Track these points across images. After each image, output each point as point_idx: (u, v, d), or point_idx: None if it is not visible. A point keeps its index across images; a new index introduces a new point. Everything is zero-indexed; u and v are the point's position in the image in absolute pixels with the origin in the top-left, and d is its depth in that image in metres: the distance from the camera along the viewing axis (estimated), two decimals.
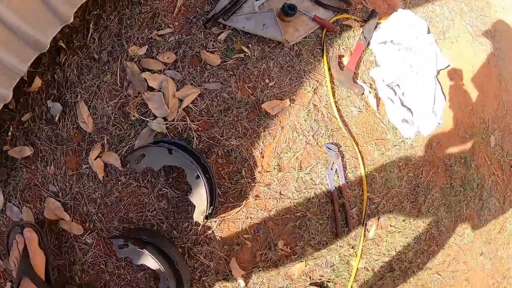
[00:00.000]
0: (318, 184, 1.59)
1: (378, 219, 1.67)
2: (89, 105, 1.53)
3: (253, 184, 1.53)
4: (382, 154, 1.65)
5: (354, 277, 1.63)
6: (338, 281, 1.63)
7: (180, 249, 1.51)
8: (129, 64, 1.54)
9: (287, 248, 1.56)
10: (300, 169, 1.57)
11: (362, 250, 1.63)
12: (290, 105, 1.60)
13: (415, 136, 1.74)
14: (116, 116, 1.51)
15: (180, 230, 1.50)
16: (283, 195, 1.55)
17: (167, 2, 1.59)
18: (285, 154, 1.55)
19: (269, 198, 1.53)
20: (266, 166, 1.54)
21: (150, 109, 1.50)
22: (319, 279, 1.60)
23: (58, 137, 1.51)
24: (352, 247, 1.64)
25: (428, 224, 1.76)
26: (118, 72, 1.51)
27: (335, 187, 1.58)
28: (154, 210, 1.47)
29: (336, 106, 1.61)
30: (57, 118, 1.53)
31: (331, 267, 1.61)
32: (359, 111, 1.65)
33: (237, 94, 1.57)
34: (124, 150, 1.49)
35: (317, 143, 1.59)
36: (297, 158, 1.57)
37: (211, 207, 1.41)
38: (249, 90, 1.54)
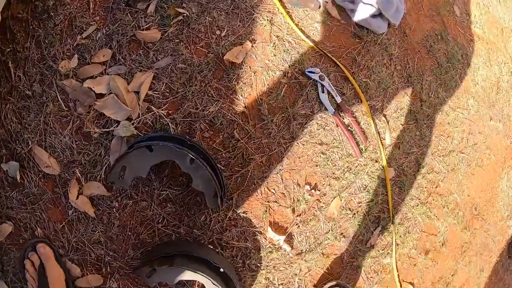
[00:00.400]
0: (317, 113, 1.03)
1: (388, 123, 1.14)
2: (45, 145, 0.97)
3: (252, 142, 0.98)
4: (363, 57, 1.15)
5: (391, 189, 1.14)
6: (378, 200, 1.11)
7: (210, 246, 0.96)
8: (66, 83, 0.98)
9: (314, 191, 1.02)
10: (292, 106, 1.01)
11: (386, 160, 1.12)
12: (252, 46, 1.03)
13: (388, 30, 1.23)
14: (77, 142, 0.97)
15: (200, 226, 0.95)
16: (286, 139, 1.01)
17: (79, 2, 1.05)
18: (269, 97, 1.01)
19: (275, 148, 0.99)
20: (257, 117, 0.99)
21: (108, 117, 0.96)
22: (359, 206, 1.10)
23: (30, 196, 0.97)
24: (376, 161, 1.11)
25: (434, 109, 1.25)
26: (58, 96, 0.98)
27: (334, 109, 1.04)
28: (163, 219, 0.94)
29: (299, 29, 1.09)
30: (18, 177, 0.97)
31: (364, 189, 1.10)
32: (324, 25, 1.14)
33: (193, 59, 0.98)
34: (102, 173, 0.96)
35: (296, 73, 1.05)
36: (283, 97, 1.01)
37: (221, 185, 0.89)
38: (204, 49, 0.99)
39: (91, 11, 1.06)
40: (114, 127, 0.96)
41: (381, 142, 1.10)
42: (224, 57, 0.97)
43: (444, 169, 1.23)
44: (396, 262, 1.17)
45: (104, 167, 0.96)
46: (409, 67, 1.20)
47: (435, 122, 1.23)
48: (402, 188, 1.16)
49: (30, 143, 0.99)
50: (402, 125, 1.16)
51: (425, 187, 1.20)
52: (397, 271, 1.17)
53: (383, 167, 1.11)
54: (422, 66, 1.23)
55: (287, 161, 0.99)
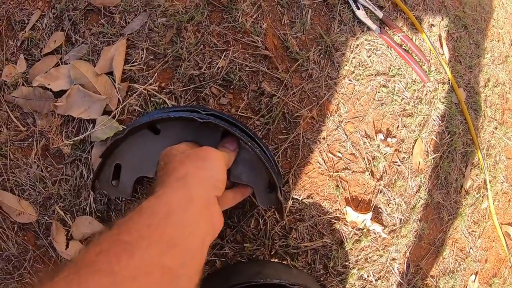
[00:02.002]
0: (360, 36, 0.55)
1: (439, 35, 0.66)
2: (10, 187, 0.50)
3: (291, 93, 0.49)
4: None
5: (467, 110, 0.64)
6: (459, 132, 0.63)
7: (274, 260, 0.46)
8: (15, 94, 0.51)
9: (391, 138, 0.54)
10: (327, 33, 0.52)
11: (456, 82, 0.63)
12: None
13: None
14: (48, 169, 0.49)
15: (253, 237, 0.46)
16: (334, 78, 0.52)
17: None
18: (294, 29, 0.52)
19: (323, 93, 0.51)
20: (286, 58, 0.50)
21: (79, 118, 0.48)
22: (443, 144, 0.60)
23: (13, 260, 0.50)
24: (443, 83, 0.62)
25: (476, 11, 0.75)
26: (11, 116, 0.51)
27: (379, 26, 0.56)
28: None
29: None
30: None
31: (443, 121, 0.61)
32: None
33: (175, 7, 0.49)
34: (91, 200, 0.47)
35: None
36: (312, 24, 0.52)
37: (273, 170, 0.36)
38: None
39: None
40: (90, 130, 0.49)
41: (442, 58, 0.63)
42: None
43: (508, 78, 0.77)
44: (493, 203, 0.69)
45: (91, 192, 0.48)
46: None
47: (482, 26, 0.76)
48: (478, 110, 0.69)
49: None
50: (454, 34, 0.69)
51: (498, 104, 0.73)
52: (496, 214, 0.69)
53: (453, 89, 0.64)
54: None
55: (345, 107, 0.51)
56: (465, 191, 0.64)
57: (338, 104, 0.50)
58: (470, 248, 0.65)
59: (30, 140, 0.53)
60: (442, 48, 0.64)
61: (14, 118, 0.54)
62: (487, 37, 0.75)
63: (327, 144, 0.49)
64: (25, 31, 0.57)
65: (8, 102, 0.54)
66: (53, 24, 0.56)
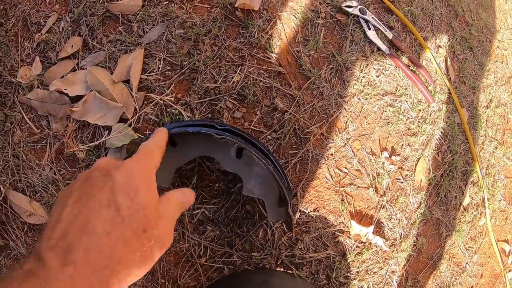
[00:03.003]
0: (370, 56, 0.59)
1: (445, 56, 0.70)
2: (21, 188, 0.52)
3: (302, 109, 0.52)
4: None
5: (469, 130, 0.69)
6: (460, 151, 0.67)
7: (280, 269, 0.50)
8: (30, 96, 0.53)
9: (395, 156, 0.58)
10: (339, 52, 0.56)
11: (459, 102, 0.67)
12: None
13: None
14: (61, 172, 0.52)
15: (260, 246, 0.49)
16: (344, 96, 0.55)
17: None
18: (307, 47, 0.55)
19: (333, 111, 0.54)
20: (299, 75, 0.54)
21: (94, 124, 0.51)
22: (444, 163, 0.64)
23: (20, 260, 0.54)
24: (447, 103, 0.66)
25: (482, 33, 0.81)
26: (25, 117, 0.54)
27: (388, 47, 0.59)
28: (205, 250, 0.48)
29: None
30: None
31: (445, 140, 0.65)
32: None
33: (193, 20, 0.53)
34: None
35: (331, 11, 0.59)
36: (325, 43, 0.56)
37: (284, 185, 0.39)
38: (204, 4, 0.55)
39: (47, 1, 0.61)
40: (105, 137, 0.51)
41: (448, 80, 0.67)
42: (236, 5, 0.53)
43: (510, 99, 0.81)
44: (490, 220, 0.73)
45: None
46: None
47: (487, 47, 0.80)
48: (479, 130, 0.72)
49: (2, 188, 0.53)
50: (459, 55, 0.73)
51: (499, 124, 0.77)
52: (492, 231, 0.73)
53: (456, 109, 0.68)
54: None
55: (353, 125, 0.55)
56: (464, 208, 0.68)
57: (346, 122, 0.54)
58: (467, 263, 0.69)
59: (43, 142, 0.55)
60: (447, 69, 0.68)
61: (28, 119, 0.56)
62: (492, 58, 0.79)
63: (335, 160, 0.52)
64: (42, 33, 0.59)
65: (22, 103, 0.57)
66: (70, 28, 0.58)
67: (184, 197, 0.28)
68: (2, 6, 0.62)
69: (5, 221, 0.55)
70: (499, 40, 0.83)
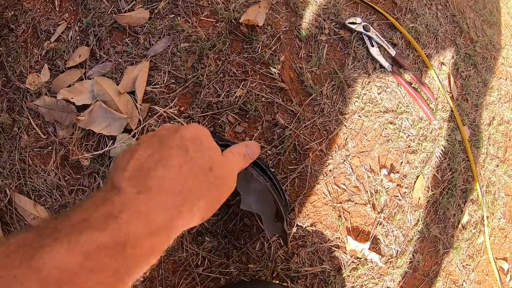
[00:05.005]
0: (372, 73, 0.61)
1: (449, 74, 0.72)
2: (26, 191, 0.56)
3: (303, 126, 0.55)
4: None
5: (470, 147, 0.71)
6: (460, 169, 0.69)
7: (275, 281, 0.53)
8: (38, 102, 0.57)
9: (393, 173, 0.60)
10: (342, 69, 0.59)
11: (461, 120, 0.70)
12: (272, 3, 0.60)
13: None
14: (66, 178, 0.55)
15: (257, 258, 0.53)
16: (344, 113, 0.58)
17: (42, 5, 0.64)
18: (310, 64, 0.58)
19: (333, 128, 0.57)
20: (301, 91, 0.57)
21: (99, 133, 0.54)
22: (443, 181, 0.67)
23: None
24: (448, 121, 0.69)
25: (486, 49, 0.83)
26: (32, 123, 0.58)
27: (391, 64, 0.62)
28: (203, 260, 0.52)
29: None
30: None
31: (445, 158, 0.67)
32: None
33: (198, 34, 0.56)
34: None
35: (335, 28, 0.61)
36: (327, 59, 0.59)
37: (281, 201, 0.43)
38: (210, 19, 0.58)
39: (57, 9, 0.64)
40: (110, 146, 0.54)
41: (451, 97, 0.70)
42: (241, 20, 0.56)
43: None
44: (489, 238, 0.75)
45: None
46: (449, 5, 0.80)
47: (491, 64, 0.83)
48: (480, 148, 0.75)
49: (8, 191, 0.57)
50: (463, 72, 0.75)
51: (501, 142, 0.80)
52: (491, 249, 0.76)
53: (457, 127, 0.70)
54: (460, 3, 0.83)
55: (353, 142, 0.57)
56: (462, 226, 0.70)
57: (346, 139, 0.57)
58: (464, 281, 0.71)
59: (49, 148, 0.58)
60: (450, 87, 0.70)
61: (35, 125, 0.59)
62: (496, 76, 0.82)
63: (333, 177, 0.55)
64: (51, 41, 0.63)
65: (30, 109, 0.60)
66: (78, 38, 0.62)
67: (247, 148, 0.31)
68: (13, 12, 0.66)
69: (10, 222, 0.58)
70: (503, 57, 0.85)
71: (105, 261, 0.19)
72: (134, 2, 0.61)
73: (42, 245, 0.18)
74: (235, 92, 0.53)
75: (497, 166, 0.77)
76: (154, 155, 0.23)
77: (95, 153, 0.55)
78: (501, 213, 0.78)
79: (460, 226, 0.70)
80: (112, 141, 0.55)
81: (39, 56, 0.63)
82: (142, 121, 0.54)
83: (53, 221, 0.19)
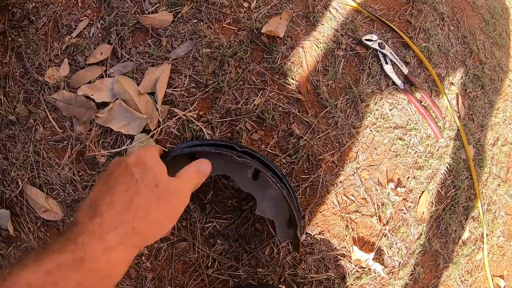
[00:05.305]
0: (385, 89, 0.64)
1: (457, 94, 0.75)
2: (39, 183, 0.57)
3: (317, 137, 0.58)
4: (417, 19, 0.73)
5: (474, 166, 0.74)
6: (464, 186, 0.72)
7: (283, 286, 0.55)
8: (56, 96, 0.59)
9: (400, 188, 0.63)
10: (356, 84, 0.61)
11: (466, 139, 0.72)
12: (293, 15, 0.62)
13: None
14: (80, 173, 0.57)
15: (266, 263, 0.55)
16: (357, 127, 0.61)
17: None
18: (326, 77, 0.60)
19: (346, 141, 0.60)
20: (316, 104, 0.59)
21: (118, 131, 0.56)
22: (447, 197, 0.69)
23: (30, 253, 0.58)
24: (455, 139, 0.71)
25: (495, 71, 0.86)
26: (48, 116, 0.59)
27: (403, 82, 0.65)
28: (213, 262, 0.54)
29: None
30: (11, 229, 0.57)
31: (450, 176, 0.70)
32: None
33: (220, 40, 0.58)
34: None
35: (352, 44, 0.64)
36: (343, 74, 0.62)
37: (295, 209, 0.44)
38: (232, 27, 0.60)
39: (79, 5, 0.66)
40: (127, 145, 0.56)
41: (458, 116, 0.73)
42: (263, 30, 0.58)
43: None
44: (487, 256, 0.78)
45: None
46: (460, 26, 0.84)
47: (498, 86, 0.86)
48: (484, 167, 0.78)
49: (20, 182, 0.59)
50: (471, 93, 0.78)
51: (504, 162, 0.83)
52: (489, 266, 0.78)
53: (463, 146, 0.73)
54: (472, 25, 0.87)
55: (363, 155, 0.60)
56: (463, 242, 0.73)
57: (357, 152, 0.59)
58: None
59: (65, 142, 0.60)
60: (458, 106, 0.73)
61: (52, 119, 0.61)
62: (502, 97, 0.85)
63: (343, 188, 0.58)
64: (72, 37, 0.65)
65: (47, 102, 0.62)
66: (100, 35, 0.64)
67: (199, 164, 0.35)
68: (34, 4, 0.68)
69: (19, 213, 0.59)
70: (511, 80, 0.89)
71: (67, 276, 0.23)
72: (158, 4, 0.63)
73: (10, 272, 0.22)
74: (253, 100, 0.56)
75: (499, 185, 0.80)
76: (103, 189, 0.28)
77: (112, 150, 0.57)
78: (500, 231, 0.81)
79: (460, 242, 0.73)
80: (130, 140, 0.57)
81: (59, 50, 0.64)
82: (161, 122, 0.56)
83: (22, 255, 0.25)
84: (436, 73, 0.71)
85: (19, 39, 0.65)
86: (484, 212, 0.76)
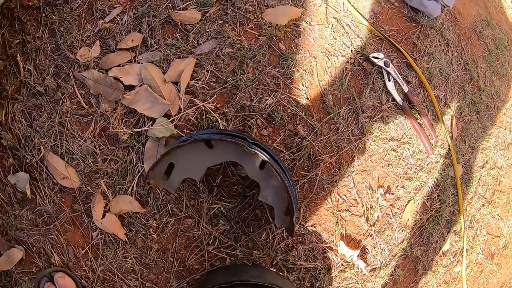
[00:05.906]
0: (385, 104, 0.72)
1: (452, 116, 0.82)
2: (61, 152, 0.65)
3: (318, 139, 0.66)
4: (423, 42, 0.82)
5: (460, 184, 0.81)
6: (449, 201, 0.79)
7: (273, 269, 0.63)
8: (86, 74, 0.66)
9: (389, 194, 0.71)
10: (359, 96, 0.70)
11: (456, 158, 0.81)
12: (309, 27, 0.71)
13: (441, 14, 0.86)
14: (101, 147, 0.65)
15: (261, 246, 0.63)
16: (356, 135, 0.69)
17: None
18: (333, 87, 0.69)
19: (344, 146, 0.68)
20: (321, 110, 0.67)
21: (141, 113, 0.63)
22: (431, 209, 0.77)
23: (44, 215, 0.65)
24: (445, 157, 0.80)
25: (492, 99, 0.93)
26: (76, 92, 0.66)
27: (403, 99, 0.73)
28: (214, 240, 0.62)
29: (357, 11, 0.76)
30: (29, 192, 0.64)
31: (436, 190, 0.78)
32: (379, 7, 0.80)
33: (242, 42, 0.67)
34: (134, 185, 0.63)
35: (360, 59, 0.72)
36: (348, 86, 0.70)
37: (293, 199, 0.53)
38: (254, 32, 0.68)
39: None
40: (149, 127, 0.64)
41: (451, 136, 0.80)
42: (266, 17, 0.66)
43: (505, 163, 0.94)
44: (465, 270, 0.86)
45: (137, 177, 0.64)
46: (464, 53, 0.92)
47: (493, 113, 0.94)
48: (470, 186, 0.86)
49: (42, 149, 0.67)
50: (466, 116, 0.87)
51: (490, 185, 0.91)
52: (466, 280, 0.86)
53: (452, 164, 0.81)
54: (475, 53, 0.95)
55: (358, 161, 0.68)
56: (443, 252, 0.81)
57: (353, 157, 0.67)
58: None
59: (89, 117, 0.68)
60: (451, 127, 0.81)
61: (79, 95, 0.69)
62: (496, 124, 0.93)
63: (337, 187, 0.66)
64: (105, 21, 0.73)
65: (76, 79, 0.70)
66: (132, 23, 0.72)
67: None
68: None
69: (38, 178, 0.67)
70: (506, 109, 0.97)
71: None
72: (188, 2, 0.71)
73: None
74: (266, 100, 0.64)
75: (483, 205, 0.88)
76: None
77: (134, 130, 0.65)
78: (480, 249, 0.88)
79: (440, 252, 0.80)
80: (151, 122, 0.65)
81: (92, 32, 0.72)
82: (181, 110, 0.64)
83: None
84: (434, 94, 0.80)
85: (53, 16, 0.73)
86: (466, 228, 0.84)
